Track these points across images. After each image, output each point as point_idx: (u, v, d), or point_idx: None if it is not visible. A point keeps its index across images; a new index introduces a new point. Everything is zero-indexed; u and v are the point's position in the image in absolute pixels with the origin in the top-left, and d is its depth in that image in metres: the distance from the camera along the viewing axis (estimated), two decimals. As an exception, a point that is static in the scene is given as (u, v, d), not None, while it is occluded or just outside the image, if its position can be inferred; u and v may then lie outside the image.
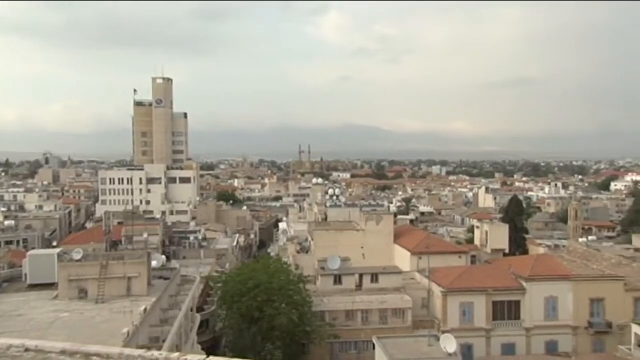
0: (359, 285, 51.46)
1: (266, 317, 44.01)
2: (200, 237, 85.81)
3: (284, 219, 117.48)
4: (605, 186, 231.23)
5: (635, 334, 41.53)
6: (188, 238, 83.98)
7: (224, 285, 49.32)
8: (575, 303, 48.31)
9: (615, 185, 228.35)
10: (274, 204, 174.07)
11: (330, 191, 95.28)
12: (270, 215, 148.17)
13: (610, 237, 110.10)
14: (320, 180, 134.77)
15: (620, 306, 47.93)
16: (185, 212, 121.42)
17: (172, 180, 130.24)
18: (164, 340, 27.93)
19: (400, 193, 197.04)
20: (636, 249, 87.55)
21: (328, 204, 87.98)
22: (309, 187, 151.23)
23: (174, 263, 54.51)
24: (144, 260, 34.06)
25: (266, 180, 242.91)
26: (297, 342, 45.52)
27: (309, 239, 73.46)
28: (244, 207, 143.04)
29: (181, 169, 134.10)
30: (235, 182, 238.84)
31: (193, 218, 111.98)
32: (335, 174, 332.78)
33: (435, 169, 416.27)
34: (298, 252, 71.03)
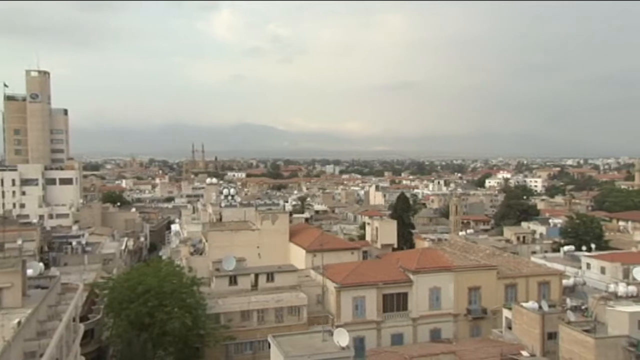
0: (255, 285, 51.35)
1: (157, 323, 42.36)
2: (84, 242, 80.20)
3: (177, 220, 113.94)
4: (481, 183, 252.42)
5: (506, 317, 45.90)
6: (70, 243, 78.02)
7: (111, 291, 46.64)
8: (455, 292, 52.16)
9: (490, 182, 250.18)
10: (165, 205, 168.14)
11: (225, 191, 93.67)
12: (161, 217, 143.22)
13: (485, 230, 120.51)
14: (214, 180, 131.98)
15: (493, 293, 52.61)
16: (66, 215, 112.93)
17: (51, 181, 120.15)
18: (42, 355, 25.77)
19: (295, 192, 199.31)
20: (507, 240, 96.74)
21: (223, 204, 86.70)
22: (203, 187, 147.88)
23: (54, 271, 50.56)
24: (17, 269, 31.11)
25: (157, 181, 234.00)
26: (190, 346, 44.33)
27: (203, 240, 71.96)
28: (133, 209, 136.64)
29: (61, 169, 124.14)
30: (124, 183, 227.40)
31: (76, 222, 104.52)
32: (230, 173, 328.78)
33: (329, 168, 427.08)
34: (192, 254, 69.36)
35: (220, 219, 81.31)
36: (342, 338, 33.21)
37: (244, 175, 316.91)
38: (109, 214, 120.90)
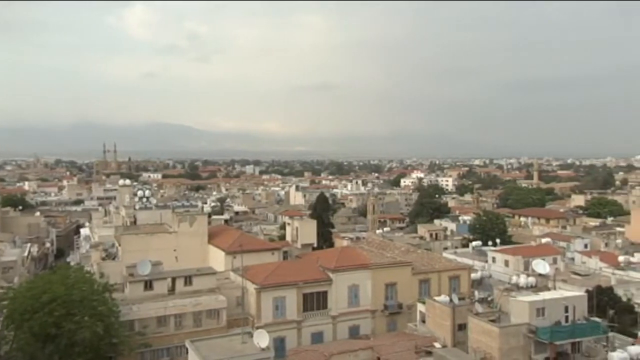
0: (172, 290, 49.85)
1: (65, 334, 39.86)
2: (-21, 250, 73.85)
3: (87, 224, 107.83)
4: (396, 183, 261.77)
5: (420, 311, 47.95)
6: (-37, 251, 71.58)
7: (12, 302, 43.24)
8: (373, 289, 53.71)
9: (405, 182, 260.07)
10: (74, 208, 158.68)
11: (140, 193, 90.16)
12: (70, 221, 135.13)
13: (401, 228, 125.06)
14: (128, 181, 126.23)
15: (408, 289, 54.73)
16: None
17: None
18: None
19: (214, 193, 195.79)
20: (421, 237, 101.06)
21: (137, 207, 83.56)
22: (115, 189, 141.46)
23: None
24: None
25: (65, 183, 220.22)
26: (102, 356, 42.13)
27: (116, 244, 68.95)
28: (37, 213, 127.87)
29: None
30: (26, 185, 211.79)
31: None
32: (145, 174, 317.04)
33: (249, 169, 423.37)
34: (103, 259, 66.20)
35: (135, 222, 78.40)
36: (262, 339, 33.17)
37: (159, 176, 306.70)
38: (9, 218, 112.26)
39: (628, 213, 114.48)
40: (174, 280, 50.19)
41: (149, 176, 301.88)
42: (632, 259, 72.77)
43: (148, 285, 49.14)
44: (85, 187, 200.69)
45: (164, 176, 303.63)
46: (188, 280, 50.38)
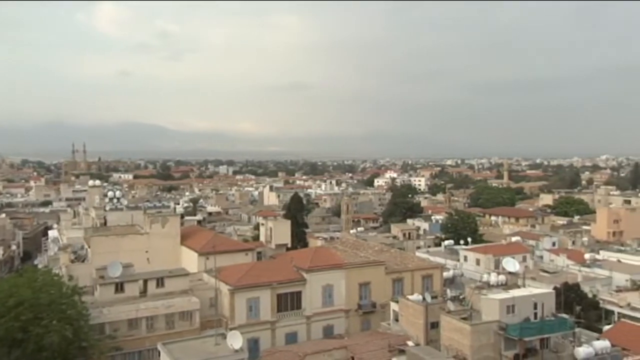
0: (144, 292, 49.12)
1: (33, 338, 38.86)
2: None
3: (55, 226, 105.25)
4: (370, 182, 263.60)
5: (394, 310, 48.38)
6: None
7: (-24, 307, 41.94)
8: (347, 289, 53.91)
9: (378, 181, 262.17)
10: (42, 209, 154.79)
11: (110, 194, 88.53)
12: (37, 223, 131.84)
13: (375, 228, 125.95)
14: (98, 182, 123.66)
15: (382, 288, 55.12)
16: None
17: None
18: None
19: (187, 194, 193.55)
20: (394, 237, 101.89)
21: (108, 208, 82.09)
22: (85, 190, 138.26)
23: None
24: None
25: (32, 183, 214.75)
26: (72, 360, 41.27)
27: (86, 246, 67.46)
28: (3, 215, 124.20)
29: None
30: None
31: None
32: (115, 175, 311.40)
33: (222, 169, 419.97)
34: (72, 261, 64.78)
35: (105, 224, 76.98)
36: (236, 340, 32.99)
37: (131, 176, 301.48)
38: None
39: (594, 212, 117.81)
40: (145, 282, 49.46)
41: (120, 177, 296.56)
42: (597, 257, 75.00)
43: (119, 287, 48.33)
44: (54, 188, 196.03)
45: (135, 177, 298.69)
46: (160, 282, 49.73)
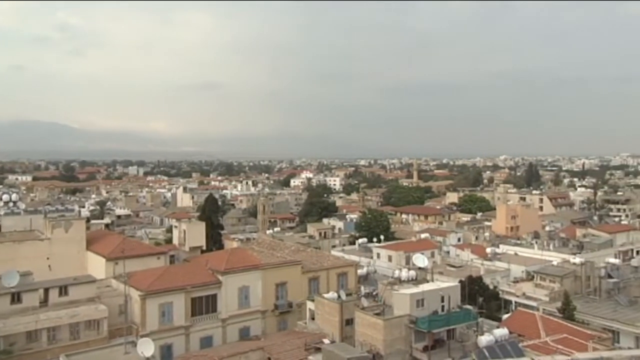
0: (45, 301, 45.85)
1: None
2: None
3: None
4: (286, 183, 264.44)
5: (310, 309, 48.89)
6: None
7: None
8: (264, 289, 53.72)
9: (294, 182, 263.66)
10: None
11: (5, 197, 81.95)
12: None
13: (291, 228, 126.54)
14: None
15: (298, 287, 55.51)
16: None
17: None
18: None
19: (93, 196, 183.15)
20: (310, 236, 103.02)
21: (2, 212, 75.69)
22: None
23: None
24: None
25: None
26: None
27: (-23, 254, 61.67)
28: None
29: None
30: None
31: None
32: (11, 176, 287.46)
33: (132, 170, 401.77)
34: (-40, 272, 58.94)
35: (0, 229, 70.85)
36: (147, 348, 31.80)
37: (29, 178, 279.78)
38: None
39: (494, 208, 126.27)
40: (46, 291, 46.19)
41: (17, 179, 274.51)
42: (497, 250, 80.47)
43: (15, 297, 44.76)
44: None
45: (34, 178, 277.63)
46: (63, 290, 46.67)
